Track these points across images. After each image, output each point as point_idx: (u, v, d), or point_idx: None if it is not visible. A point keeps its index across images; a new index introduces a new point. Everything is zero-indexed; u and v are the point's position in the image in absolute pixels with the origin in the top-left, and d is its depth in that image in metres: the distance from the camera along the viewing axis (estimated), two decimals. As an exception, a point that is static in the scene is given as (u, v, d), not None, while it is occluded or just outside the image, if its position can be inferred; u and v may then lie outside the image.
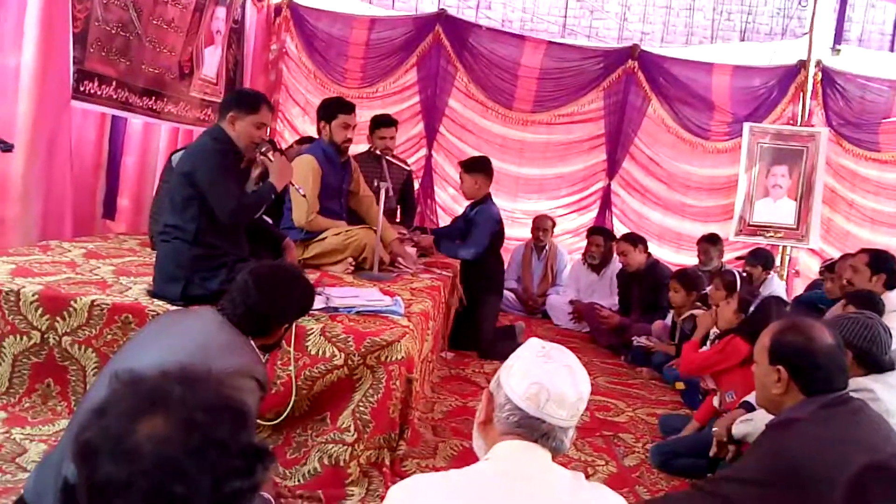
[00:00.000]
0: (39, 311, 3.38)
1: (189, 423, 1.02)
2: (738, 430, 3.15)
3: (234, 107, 3.55)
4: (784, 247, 7.79)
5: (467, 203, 6.01)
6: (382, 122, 5.61)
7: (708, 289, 5.17)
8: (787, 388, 2.19)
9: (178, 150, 5.06)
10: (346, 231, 4.65)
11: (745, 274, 5.82)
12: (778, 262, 7.50)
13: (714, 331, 4.38)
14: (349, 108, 4.79)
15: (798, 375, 2.17)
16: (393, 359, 3.29)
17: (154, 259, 3.74)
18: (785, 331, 2.25)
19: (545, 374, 1.59)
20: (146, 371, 1.13)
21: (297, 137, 6.97)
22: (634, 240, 6.46)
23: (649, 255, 6.49)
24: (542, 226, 7.33)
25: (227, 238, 3.57)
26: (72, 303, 3.39)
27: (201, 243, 3.49)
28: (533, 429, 1.59)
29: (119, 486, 0.98)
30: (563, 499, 1.53)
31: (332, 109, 4.78)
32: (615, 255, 6.82)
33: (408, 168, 6.49)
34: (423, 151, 8.27)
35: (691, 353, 4.22)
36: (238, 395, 1.15)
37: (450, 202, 8.10)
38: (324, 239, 4.60)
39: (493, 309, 5.86)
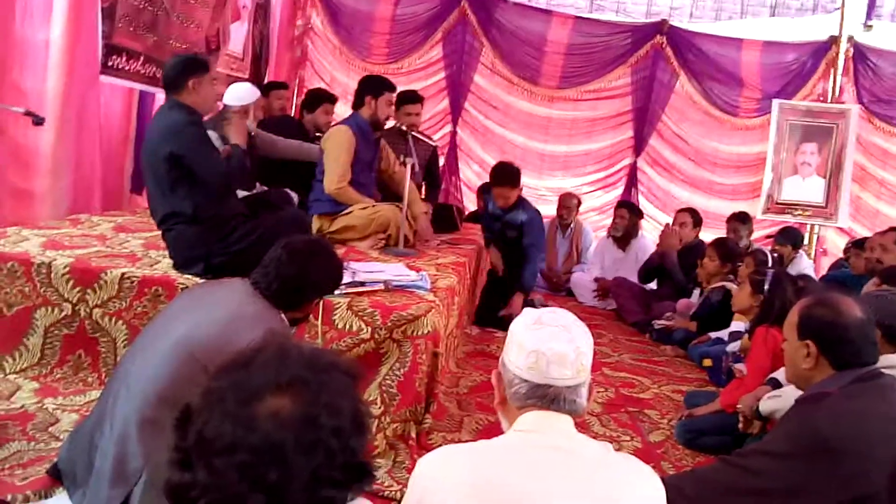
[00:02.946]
0: (70, 284, 3.43)
1: (312, 418, 1.02)
2: (766, 406, 3.14)
3: (191, 73, 3.45)
4: (812, 225, 7.69)
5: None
6: (408, 99, 5.59)
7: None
8: (817, 363, 2.18)
9: None
10: (373, 206, 4.66)
11: (774, 254, 5.77)
12: (806, 241, 7.41)
13: (738, 325, 4.34)
14: (394, 87, 4.94)
15: (827, 349, 2.16)
16: (419, 333, 3.32)
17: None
18: (813, 305, 2.24)
19: (539, 341, 1.60)
20: (296, 345, 1.12)
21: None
22: (698, 219, 6.48)
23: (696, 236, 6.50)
24: (567, 204, 7.30)
25: (223, 204, 3.57)
26: (102, 275, 3.43)
27: (202, 219, 3.48)
28: (542, 396, 1.60)
29: (223, 446, 0.98)
30: (593, 468, 1.54)
31: (380, 87, 4.84)
32: (640, 230, 6.82)
33: (433, 144, 6.46)
34: (448, 128, 8.28)
35: (740, 389, 3.68)
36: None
37: (474, 179, 8.08)
38: (350, 213, 4.62)
39: None
